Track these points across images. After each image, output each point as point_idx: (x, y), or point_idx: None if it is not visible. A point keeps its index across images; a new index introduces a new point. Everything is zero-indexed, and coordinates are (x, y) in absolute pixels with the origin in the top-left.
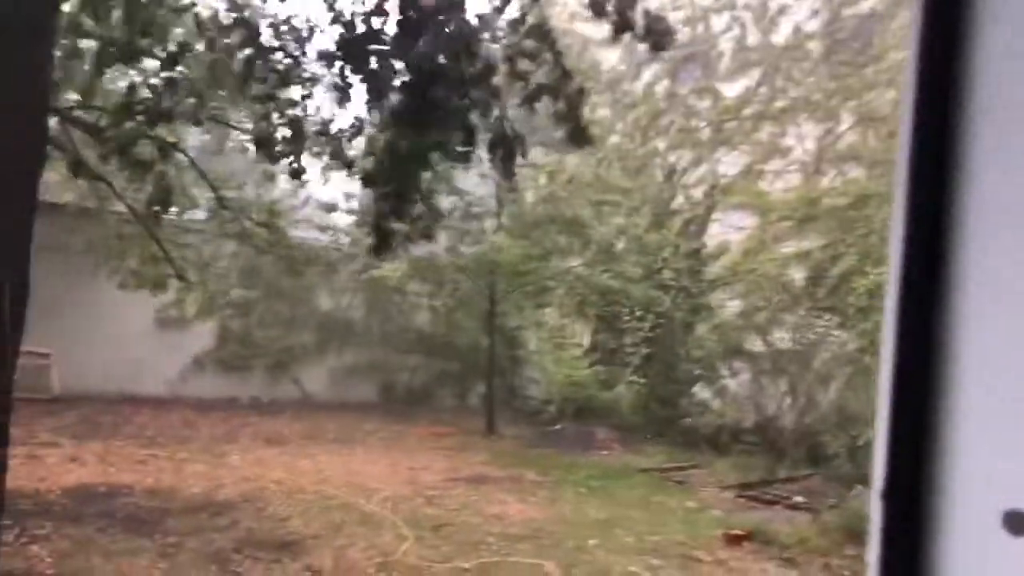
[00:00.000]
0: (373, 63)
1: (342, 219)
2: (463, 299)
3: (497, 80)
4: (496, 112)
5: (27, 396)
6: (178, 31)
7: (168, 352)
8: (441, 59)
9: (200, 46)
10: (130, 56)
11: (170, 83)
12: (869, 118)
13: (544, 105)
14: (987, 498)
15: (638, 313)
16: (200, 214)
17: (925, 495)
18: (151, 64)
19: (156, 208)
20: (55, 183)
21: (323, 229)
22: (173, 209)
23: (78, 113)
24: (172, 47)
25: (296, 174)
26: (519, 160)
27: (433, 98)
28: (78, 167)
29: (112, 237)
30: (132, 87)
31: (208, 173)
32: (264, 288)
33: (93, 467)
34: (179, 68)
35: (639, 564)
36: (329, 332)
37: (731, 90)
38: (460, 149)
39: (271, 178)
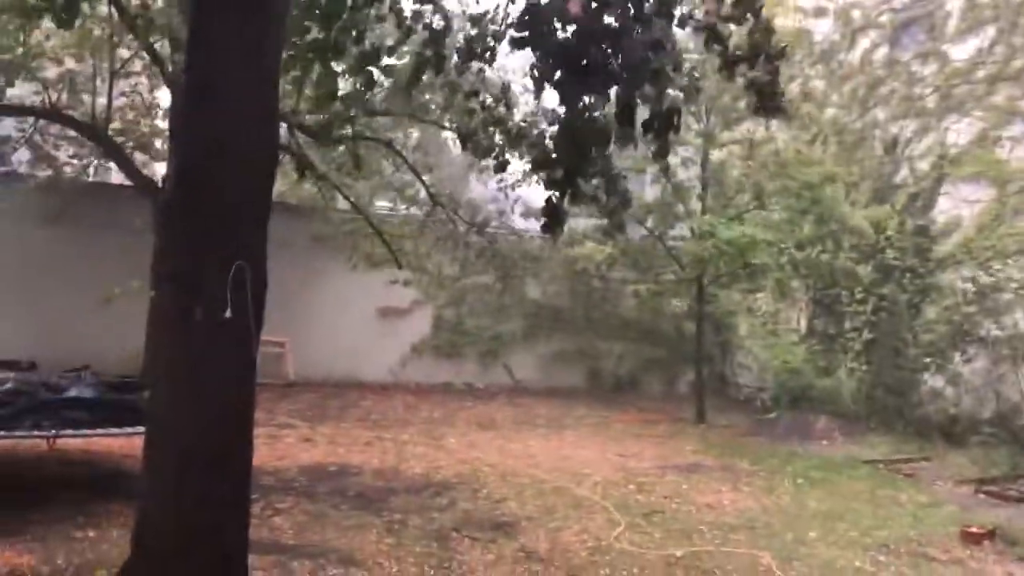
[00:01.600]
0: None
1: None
2: (669, 284)
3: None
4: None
5: (267, 381)
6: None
7: (389, 340)
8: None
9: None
10: (334, 55)
11: (369, 82)
12: None
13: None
14: None
15: (859, 296)
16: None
17: None
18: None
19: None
20: (282, 185)
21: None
22: (391, 204)
23: (299, 118)
24: (368, 46)
25: (502, 167)
26: (724, 136)
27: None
28: (304, 169)
29: (339, 233)
30: (334, 92)
31: (425, 173)
32: (475, 278)
33: (325, 447)
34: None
35: (865, 560)
36: (537, 319)
37: (960, 53)
38: (622, 129)
39: (482, 179)
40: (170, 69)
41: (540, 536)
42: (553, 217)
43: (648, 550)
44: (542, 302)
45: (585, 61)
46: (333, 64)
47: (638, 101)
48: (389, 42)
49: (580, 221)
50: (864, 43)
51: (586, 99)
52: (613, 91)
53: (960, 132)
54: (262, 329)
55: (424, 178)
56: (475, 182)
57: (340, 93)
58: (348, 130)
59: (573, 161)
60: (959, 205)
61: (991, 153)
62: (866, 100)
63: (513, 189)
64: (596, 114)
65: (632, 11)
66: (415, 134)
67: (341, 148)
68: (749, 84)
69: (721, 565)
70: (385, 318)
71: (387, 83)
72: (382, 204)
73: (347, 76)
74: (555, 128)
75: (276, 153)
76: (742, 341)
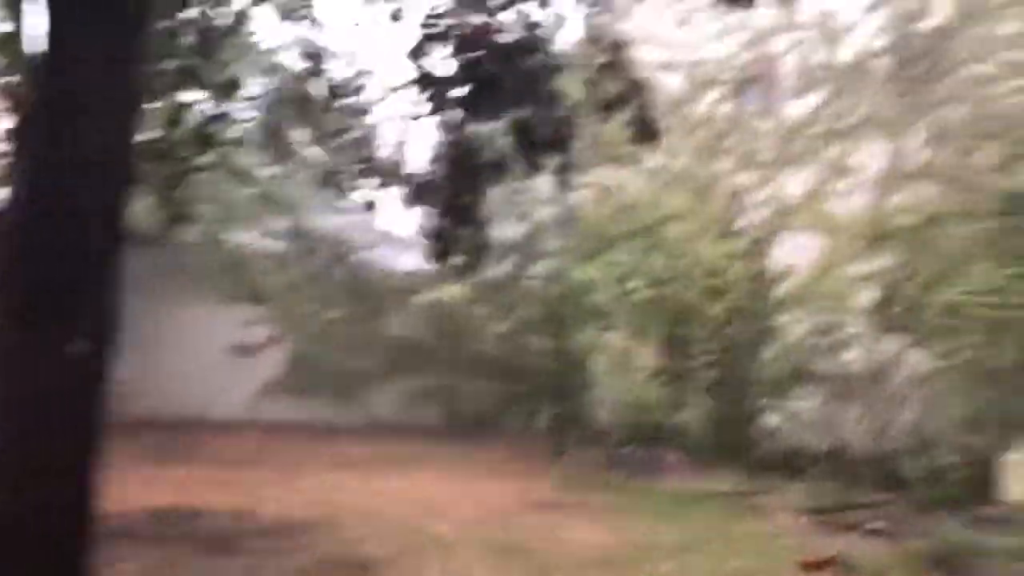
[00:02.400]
0: (436, 85)
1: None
2: (529, 322)
3: (554, 88)
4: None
5: (110, 421)
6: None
7: (241, 377)
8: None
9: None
10: (194, 84)
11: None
12: (941, 135)
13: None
14: None
15: (705, 335)
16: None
17: None
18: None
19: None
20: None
21: (394, 257)
22: (250, 236)
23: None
24: (228, 77)
25: (369, 206)
26: (582, 180)
27: (491, 106)
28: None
29: (192, 265)
30: (181, 115)
31: (283, 205)
32: (335, 314)
33: (173, 490)
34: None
35: None
36: (396, 356)
37: (796, 110)
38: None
39: (344, 211)
40: None
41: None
42: (442, 249)
43: None
44: (402, 338)
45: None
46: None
47: (534, 123)
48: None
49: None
50: (710, 97)
51: (484, 127)
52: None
53: (796, 184)
54: (114, 363)
55: (284, 210)
56: (336, 215)
57: (195, 123)
58: (203, 158)
59: (466, 191)
60: (795, 252)
61: (822, 205)
62: (711, 151)
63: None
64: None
65: (526, 37)
66: (272, 167)
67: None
68: (630, 121)
69: None
70: (238, 354)
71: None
72: (237, 235)
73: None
74: (437, 161)
75: (133, 177)
76: (598, 378)
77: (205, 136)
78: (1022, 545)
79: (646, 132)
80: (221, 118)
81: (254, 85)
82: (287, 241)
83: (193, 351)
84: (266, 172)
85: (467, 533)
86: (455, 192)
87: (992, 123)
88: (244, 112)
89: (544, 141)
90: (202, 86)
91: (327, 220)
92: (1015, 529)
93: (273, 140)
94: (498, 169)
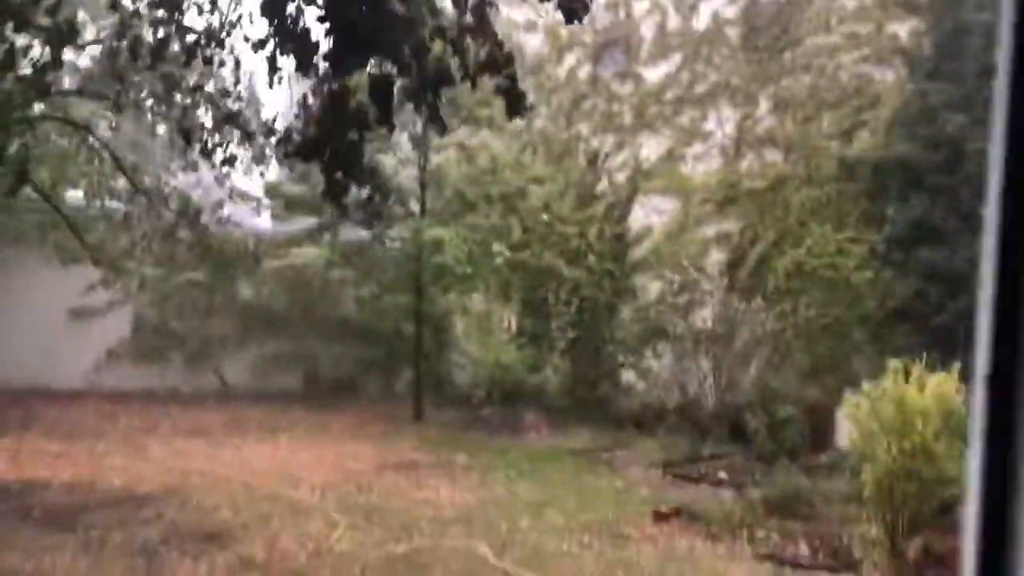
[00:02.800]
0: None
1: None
2: (388, 285)
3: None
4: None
5: None
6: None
7: (82, 343)
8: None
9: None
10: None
11: (56, 60)
12: (786, 103)
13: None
14: None
15: (563, 297)
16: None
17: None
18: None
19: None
20: None
21: (245, 218)
22: (83, 195)
23: None
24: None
25: (228, 162)
26: (441, 141)
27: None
28: None
29: (24, 225)
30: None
31: (126, 161)
32: (182, 276)
33: (5, 463)
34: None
35: (572, 542)
36: (250, 321)
37: (652, 75)
38: (378, 121)
39: (194, 167)
40: None
41: (256, 544)
42: (335, 193)
43: (368, 549)
44: (256, 303)
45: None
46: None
47: (396, 77)
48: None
49: (297, 223)
50: (570, 59)
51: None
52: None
53: (651, 148)
54: None
55: (126, 167)
56: (183, 171)
57: (25, 71)
58: (33, 110)
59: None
60: (650, 215)
61: (676, 169)
62: (571, 114)
63: (227, 177)
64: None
65: None
66: (113, 120)
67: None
68: (497, 89)
69: (441, 558)
70: (78, 319)
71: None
72: (73, 195)
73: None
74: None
75: None
76: (458, 340)
77: (41, 85)
78: (850, 489)
79: (515, 104)
80: (58, 64)
81: (96, 29)
82: (131, 200)
83: (28, 316)
84: (106, 125)
85: (324, 498)
86: (335, 145)
87: (833, 93)
88: (83, 60)
89: (404, 97)
90: (32, 27)
91: (175, 178)
92: (845, 475)
93: (116, 90)
94: (363, 124)
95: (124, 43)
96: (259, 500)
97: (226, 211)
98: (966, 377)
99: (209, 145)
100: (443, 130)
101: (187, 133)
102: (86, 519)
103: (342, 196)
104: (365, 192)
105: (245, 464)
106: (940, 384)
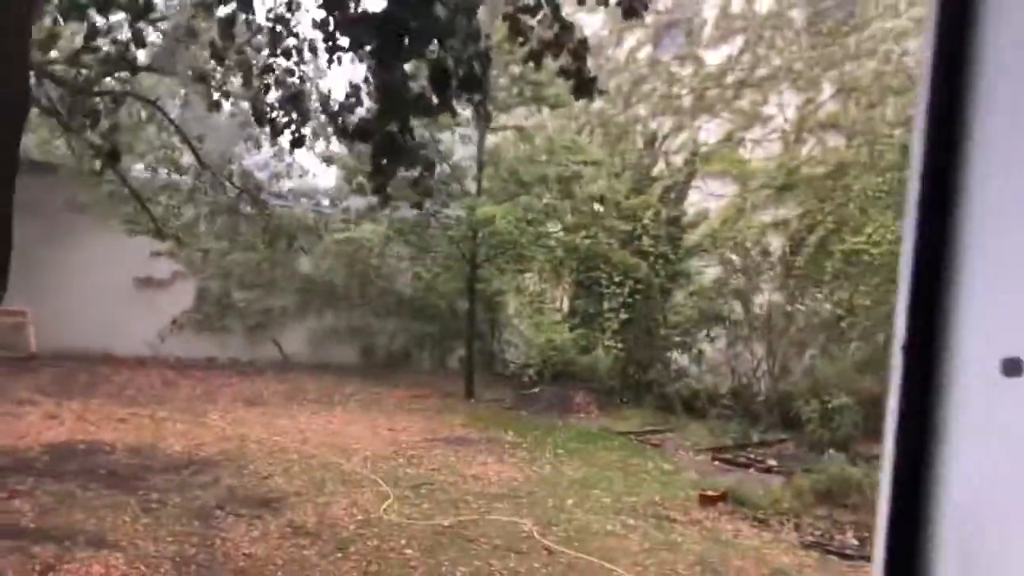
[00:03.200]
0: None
1: (325, 183)
2: (443, 263)
3: (474, 24)
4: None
5: (3, 355)
6: None
7: (147, 312)
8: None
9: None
10: (100, 6)
11: (137, 35)
12: (850, 88)
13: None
14: (988, 348)
15: (617, 279)
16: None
17: (937, 349)
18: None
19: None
20: (31, 142)
21: (306, 194)
22: (160, 170)
23: (54, 68)
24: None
25: (297, 143)
26: (500, 121)
27: (410, 43)
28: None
29: (95, 197)
30: (93, 37)
31: (193, 137)
32: (244, 249)
33: (72, 424)
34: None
35: (616, 523)
36: (309, 294)
37: (713, 58)
38: (434, 101)
39: (257, 145)
40: None
41: (308, 511)
42: (381, 184)
43: (416, 521)
44: (315, 277)
45: (401, 27)
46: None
47: (451, 64)
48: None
49: (356, 200)
50: (630, 41)
51: (405, 67)
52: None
53: (710, 132)
54: (4, 295)
55: (192, 142)
56: (247, 148)
57: (103, 47)
58: (109, 84)
59: (395, 127)
60: (707, 199)
61: (735, 153)
62: (630, 96)
63: (291, 155)
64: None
65: None
66: (182, 92)
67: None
68: (561, 71)
69: (486, 532)
70: (143, 289)
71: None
72: (140, 168)
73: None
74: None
75: (26, 103)
76: (510, 319)
77: (126, 61)
78: None
79: (582, 84)
80: (139, 43)
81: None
82: (197, 175)
83: (95, 284)
84: (176, 102)
85: (376, 469)
86: (389, 129)
87: (898, 79)
88: (153, 36)
89: (460, 80)
90: (115, 5)
91: (240, 154)
92: None
93: (184, 68)
94: (421, 108)
95: (193, 20)
96: (312, 469)
97: (287, 185)
98: None
99: (278, 125)
100: (488, 120)
101: (260, 114)
102: (147, 481)
103: (387, 180)
104: (415, 172)
105: (300, 433)
106: None
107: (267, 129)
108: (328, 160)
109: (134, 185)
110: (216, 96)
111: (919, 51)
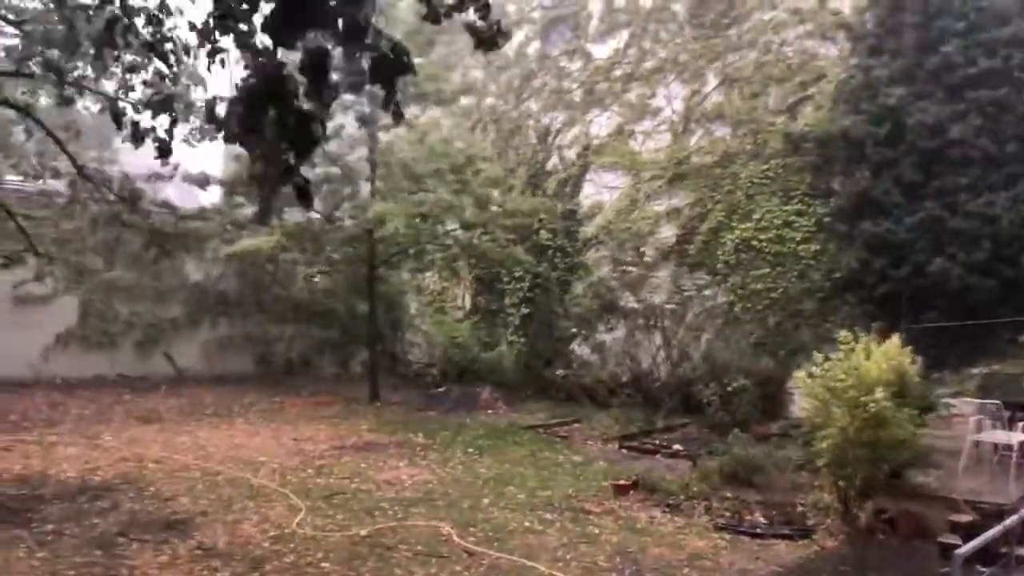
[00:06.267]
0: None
1: (211, 192)
2: (340, 266)
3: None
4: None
5: None
6: None
7: (27, 331)
8: None
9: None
10: None
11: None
12: (733, 79)
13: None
14: None
15: (517, 274)
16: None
17: None
18: None
19: None
20: None
21: (191, 200)
22: (21, 179)
23: None
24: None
25: (163, 152)
26: (389, 121)
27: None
28: None
29: None
30: None
31: (67, 143)
32: (128, 262)
33: None
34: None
35: (533, 519)
36: (201, 305)
37: (601, 51)
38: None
39: (136, 149)
40: None
41: (218, 531)
42: (265, 205)
43: (331, 532)
44: (206, 286)
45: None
46: None
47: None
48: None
49: (247, 210)
50: (519, 37)
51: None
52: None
53: (601, 125)
54: None
55: (67, 149)
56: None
57: None
58: None
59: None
60: (601, 191)
61: (626, 145)
62: (521, 91)
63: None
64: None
65: None
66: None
67: None
68: (467, 27)
69: (404, 539)
70: (22, 307)
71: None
72: (11, 179)
73: None
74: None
75: None
76: (412, 320)
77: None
78: (798, 456)
79: (487, 35)
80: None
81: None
82: (72, 184)
83: None
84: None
85: (285, 481)
86: (262, 129)
87: (778, 68)
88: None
89: (347, 74)
90: None
91: (115, 158)
92: (794, 443)
93: (55, 70)
94: (293, 100)
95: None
96: (218, 486)
97: (171, 192)
98: (911, 340)
99: (140, 131)
100: (400, 119)
101: (117, 116)
102: (40, 512)
103: (270, 184)
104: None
105: (202, 450)
106: (888, 352)
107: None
108: (204, 182)
109: (8, 198)
110: (69, 91)
111: (797, 41)
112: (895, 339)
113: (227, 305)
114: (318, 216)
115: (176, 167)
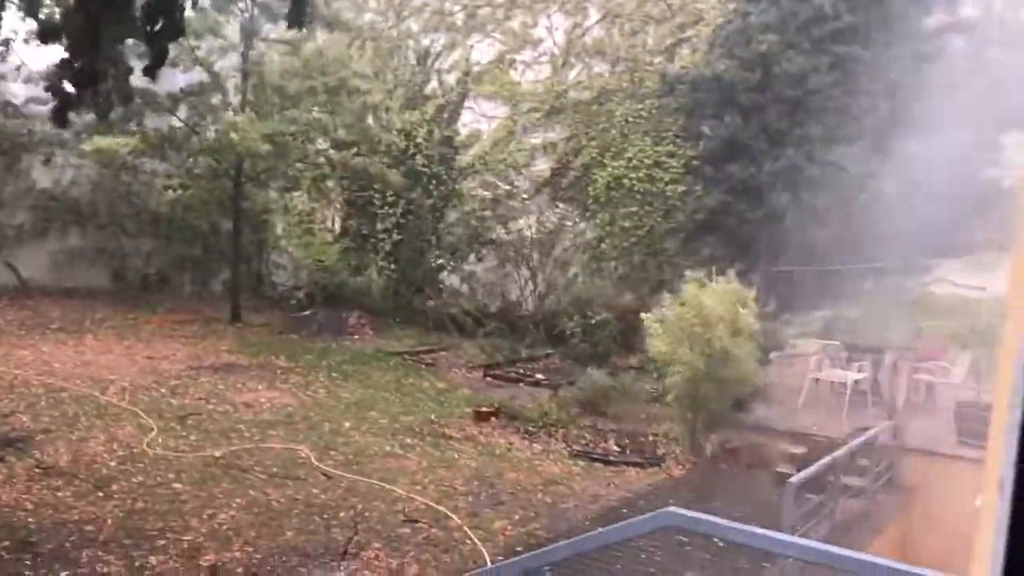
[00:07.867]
0: None
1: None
2: (202, 180)
3: None
4: None
5: None
6: None
7: None
8: None
9: None
10: None
11: None
12: (614, 14)
13: None
14: None
15: (390, 198)
16: None
17: None
18: None
19: None
20: None
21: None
22: None
23: None
24: None
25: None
26: (264, 32)
27: None
28: None
29: None
30: None
31: None
32: None
33: None
34: None
35: (394, 444)
36: (49, 212)
37: None
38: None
39: None
40: None
41: (60, 449)
42: (61, 106)
43: (184, 453)
44: (55, 193)
45: None
46: None
47: None
48: None
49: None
50: None
51: None
52: None
53: (482, 52)
54: None
55: None
56: None
57: None
58: None
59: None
60: (479, 120)
61: (506, 75)
62: (401, 9)
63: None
64: None
65: None
66: None
67: None
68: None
69: (261, 461)
70: None
71: None
72: None
73: None
74: None
75: None
76: (278, 240)
77: None
78: (652, 388)
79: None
80: None
81: None
82: None
83: None
84: None
85: (136, 400)
86: (88, 28)
87: (659, 8)
88: None
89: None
90: None
91: None
92: (648, 376)
93: None
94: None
95: None
96: (62, 403)
97: (19, 91)
98: (765, 282)
99: None
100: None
101: None
102: None
103: (83, 86)
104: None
105: (46, 365)
106: (730, 290)
107: None
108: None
109: None
110: None
111: None
112: (733, 278)
113: (79, 215)
114: (181, 125)
115: (19, 67)
